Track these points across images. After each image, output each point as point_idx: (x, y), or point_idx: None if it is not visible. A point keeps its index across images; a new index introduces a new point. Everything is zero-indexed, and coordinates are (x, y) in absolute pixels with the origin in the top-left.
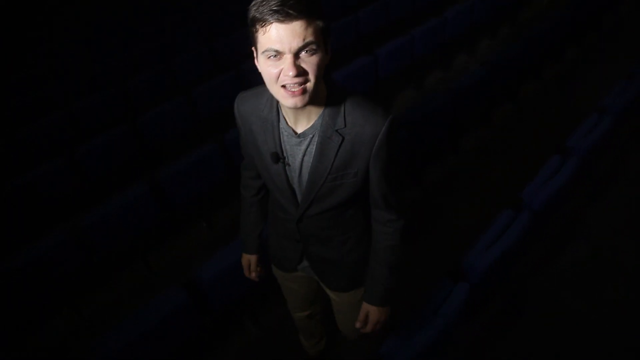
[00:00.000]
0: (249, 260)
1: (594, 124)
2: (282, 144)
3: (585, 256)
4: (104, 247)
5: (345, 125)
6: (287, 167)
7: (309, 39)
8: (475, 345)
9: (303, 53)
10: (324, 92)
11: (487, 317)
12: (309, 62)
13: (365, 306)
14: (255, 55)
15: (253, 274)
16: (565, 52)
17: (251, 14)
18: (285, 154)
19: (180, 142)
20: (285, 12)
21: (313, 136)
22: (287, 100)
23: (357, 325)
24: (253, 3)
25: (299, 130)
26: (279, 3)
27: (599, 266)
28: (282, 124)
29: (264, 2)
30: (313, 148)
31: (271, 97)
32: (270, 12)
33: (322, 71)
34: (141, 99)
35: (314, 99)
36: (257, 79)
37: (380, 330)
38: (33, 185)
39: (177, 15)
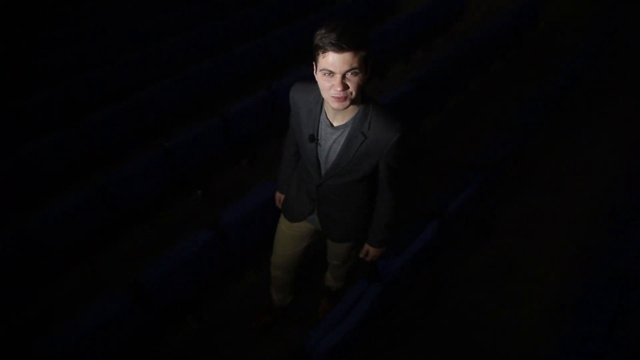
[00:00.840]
0: (280, 197)
1: (501, 142)
2: (319, 130)
3: (492, 257)
4: (50, 248)
5: (369, 129)
6: (318, 147)
7: (354, 65)
8: (390, 339)
9: (349, 74)
10: (359, 100)
11: (403, 314)
12: (352, 81)
13: (367, 246)
14: (315, 68)
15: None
16: (489, 66)
17: (315, 42)
18: (319, 137)
19: (125, 144)
20: (340, 46)
21: (343, 131)
22: (333, 103)
23: (361, 255)
24: (317, 33)
25: (335, 124)
26: (336, 38)
27: (502, 265)
28: (322, 116)
29: (326, 35)
30: (342, 139)
31: (319, 95)
32: (330, 44)
33: (361, 86)
34: (85, 99)
35: (352, 104)
36: (202, 84)
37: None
38: None
39: (121, 15)
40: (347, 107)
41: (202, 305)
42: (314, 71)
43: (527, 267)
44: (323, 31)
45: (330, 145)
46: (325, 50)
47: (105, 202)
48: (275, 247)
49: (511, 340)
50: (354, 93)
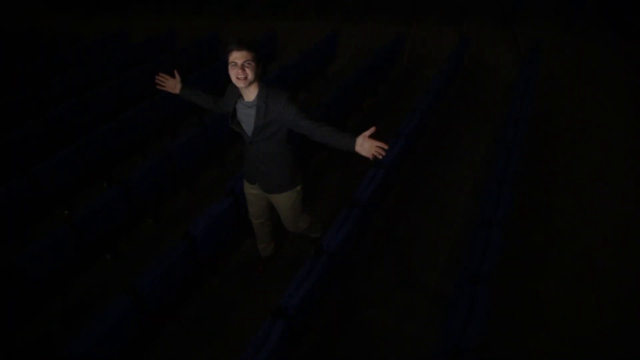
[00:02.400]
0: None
1: (372, 177)
2: (238, 107)
3: (382, 274)
4: None
5: (267, 99)
6: (239, 120)
7: (249, 58)
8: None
9: (245, 64)
10: (256, 83)
11: (318, 336)
12: (248, 68)
13: (357, 147)
14: (228, 64)
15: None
16: (363, 103)
17: (228, 48)
18: (237, 111)
19: (23, 218)
20: (240, 47)
21: (254, 105)
22: (238, 83)
23: (362, 152)
24: (229, 43)
25: (247, 100)
26: (237, 42)
27: (391, 281)
28: (240, 99)
29: (232, 43)
30: (254, 110)
31: (238, 89)
32: (234, 46)
33: (256, 73)
34: None
35: (251, 84)
36: (96, 151)
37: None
38: None
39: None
40: (247, 86)
41: None
42: (228, 70)
43: (412, 277)
44: (230, 44)
45: (250, 114)
46: (231, 50)
47: (17, 280)
48: (248, 206)
49: (403, 347)
50: (249, 76)
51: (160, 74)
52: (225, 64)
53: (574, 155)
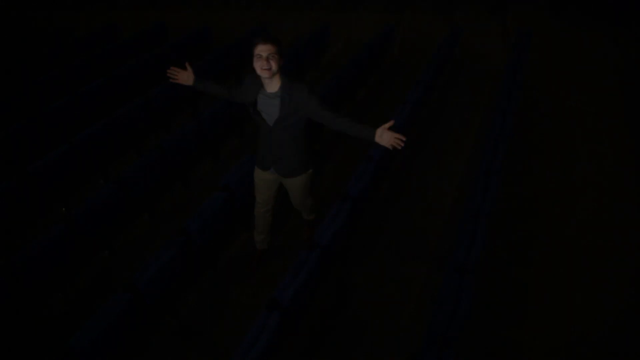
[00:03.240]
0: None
1: (363, 170)
2: (259, 98)
3: (374, 268)
4: None
5: (290, 91)
6: (263, 106)
7: (273, 51)
8: (308, 347)
9: (270, 56)
10: (279, 75)
11: (306, 333)
12: (273, 60)
13: (376, 138)
14: (253, 59)
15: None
16: (356, 93)
17: (252, 43)
18: (258, 102)
19: (20, 218)
20: (265, 40)
21: (277, 96)
22: (263, 74)
23: (380, 142)
24: (253, 40)
25: (270, 91)
26: (262, 37)
27: (386, 273)
28: (262, 90)
29: (258, 37)
30: (278, 101)
31: (259, 80)
32: (260, 40)
33: (279, 65)
34: None
35: (274, 75)
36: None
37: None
38: None
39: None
40: (272, 76)
41: None
42: (253, 62)
43: (404, 268)
44: (255, 38)
45: (273, 104)
46: (257, 44)
47: (16, 278)
48: (257, 194)
49: (395, 337)
50: (273, 67)
51: (172, 67)
52: (219, 57)
53: (561, 145)
